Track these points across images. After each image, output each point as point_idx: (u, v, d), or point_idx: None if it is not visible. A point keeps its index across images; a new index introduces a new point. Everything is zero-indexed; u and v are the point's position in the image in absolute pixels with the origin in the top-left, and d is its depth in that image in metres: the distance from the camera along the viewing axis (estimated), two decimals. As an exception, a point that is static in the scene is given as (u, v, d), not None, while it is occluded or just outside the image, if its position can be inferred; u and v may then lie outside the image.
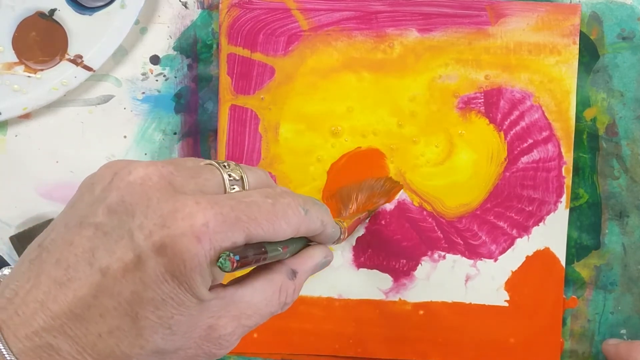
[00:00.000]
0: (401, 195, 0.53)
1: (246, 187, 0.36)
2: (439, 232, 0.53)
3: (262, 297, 0.36)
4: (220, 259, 0.31)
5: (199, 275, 0.32)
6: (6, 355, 0.31)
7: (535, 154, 0.52)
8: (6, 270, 0.36)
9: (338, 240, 0.42)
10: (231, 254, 0.31)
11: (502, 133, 0.52)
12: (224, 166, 0.35)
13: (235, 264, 0.31)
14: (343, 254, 0.53)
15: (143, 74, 0.53)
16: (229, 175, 0.35)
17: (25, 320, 0.32)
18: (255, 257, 0.33)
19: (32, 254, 0.33)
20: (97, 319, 0.31)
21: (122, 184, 0.32)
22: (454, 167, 0.53)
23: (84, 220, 0.32)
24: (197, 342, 0.34)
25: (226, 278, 0.36)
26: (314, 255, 0.39)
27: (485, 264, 0.53)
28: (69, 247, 0.32)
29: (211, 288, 0.33)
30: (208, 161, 0.36)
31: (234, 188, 0.35)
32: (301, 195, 0.37)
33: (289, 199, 0.35)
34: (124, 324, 0.32)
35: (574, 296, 0.53)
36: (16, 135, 0.53)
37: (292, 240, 0.36)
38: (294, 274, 0.37)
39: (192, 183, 0.34)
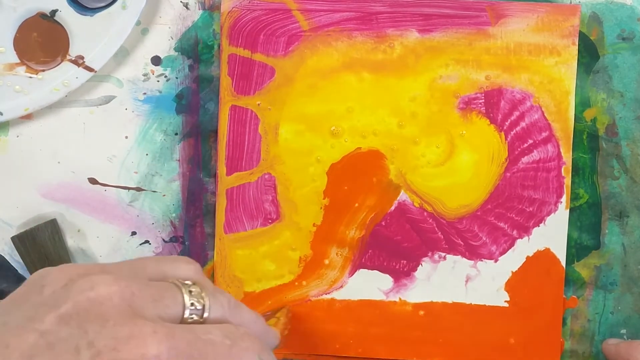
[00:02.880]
0: (402, 196, 0.53)
1: (205, 317, 0.34)
2: (440, 233, 0.53)
3: None
4: None
5: None
6: None
7: (535, 155, 0.52)
8: None
9: None
10: None
11: (502, 133, 0.52)
12: (190, 292, 0.34)
13: None
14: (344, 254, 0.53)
15: (144, 75, 0.53)
16: (191, 304, 0.33)
17: None
18: None
19: None
20: None
21: (81, 297, 0.31)
22: (455, 167, 0.53)
23: (28, 324, 0.30)
24: None
25: None
26: None
27: (485, 265, 0.53)
28: (5, 349, 0.30)
29: None
30: (174, 280, 0.35)
31: (192, 317, 0.34)
32: (259, 341, 0.35)
33: (248, 344, 0.34)
34: None
35: (574, 296, 0.54)
36: (18, 136, 0.54)
37: None
38: None
39: (152, 307, 0.32)
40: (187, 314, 0.33)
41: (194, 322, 0.34)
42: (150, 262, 0.35)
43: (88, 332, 0.30)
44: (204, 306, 0.34)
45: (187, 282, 0.34)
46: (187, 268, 0.36)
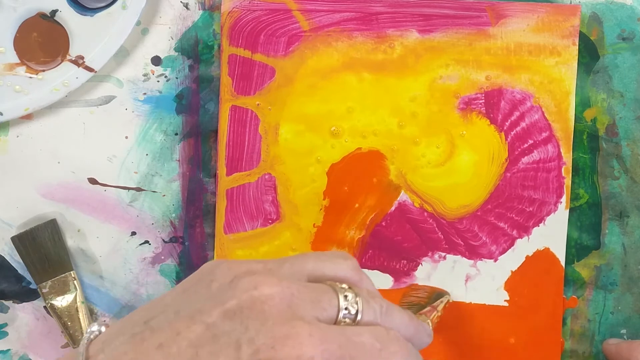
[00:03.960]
0: (402, 196, 0.53)
1: (357, 321, 0.35)
2: (440, 233, 0.53)
3: None
4: None
5: None
6: None
7: (535, 155, 0.52)
8: (95, 327, 0.36)
9: None
10: None
11: (502, 134, 0.52)
12: (345, 297, 0.35)
13: None
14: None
15: (144, 75, 0.53)
16: (346, 308, 0.35)
17: None
18: None
19: (135, 329, 0.34)
20: None
21: (245, 295, 0.33)
22: (455, 168, 0.53)
23: (197, 316, 0.33)
24: None
25: None
26: None
27: (485, 264, 0.53)
28: (175, 336, 0.32)
29: None
30: (331, 283, 0.36)
31: (345, 320, 0.35)
32: (408, 346, 0.36)
33: (397, 348, 0.35)
34: None
35: (574, 296, 0.54)
36: (18, 136, 0.54)
37: None
38: None
39: (309, 308, 0.34)
40: (341, 316, 0.35)
41: (347, 325, 0.35)
42: (310, 260, 0.37)
43: (249, 329, 0.32)
44: (357, 311, 0.35)
45: (343, 286, 0.36)
46: (345, 265, 0.37)
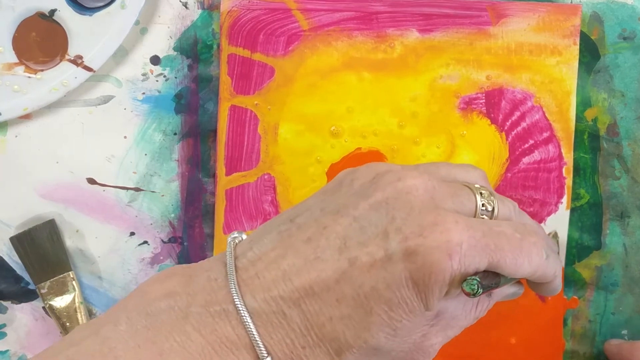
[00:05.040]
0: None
1: (494, 217, 0.37)
2: (440, 232, 0.53)
3: (462, 310, 0.37)
4: (468, 282, 0.33)
5: (438, 290, 0.33)
6: (241, 311, 0.33)
7: (536, 155, 0.52)
8: (236, 234, 0.37)
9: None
10: (478, 280, 0.33)
11: (503, 134, 0.52)
12: (481, 193, 0.36)
13: (480, 291, 0.33)
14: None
15: (143, 75, 0.53)
16: (482, 205, 0.36)
17: (265, 284, 0.33)
18: (491, 288, 0.35)
19: (282, 226, 0.35)
20: (333, 302, 0.33)
21: (389, 188, 0.34)
22: (455, 167, 0.52)
23: (343, 210, 0.34)
24: (409, 346, 0.35)
25: None
26: (510, 286, 0.40)
27: (486, 265, 0.53)
28: (323, 229, 0.34)
29: None
30: (465, 182, 0.37)
31: (482, 217, 0.36)
32: (545, 238, 0.38)
33: (535, 239, 0.36)
34: (356, 315, 0.33)
35: (575, 297, 0.53)
36: (16, 136, 0.53)
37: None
38: (490, 293, 0.38)
39: (450, 201, 0.35)
40: (479, 212, 0.36)
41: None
42: (442, 166, 0.38)
43: (396, 219, 0.33)
44: (493, 208, 0.36)
45: (477, 185, 0.37)
46: (476, 174, 0.39)
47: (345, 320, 0.33)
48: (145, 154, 0.53)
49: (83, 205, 0.54)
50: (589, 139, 0.53)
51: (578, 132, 0.52)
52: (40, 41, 0.52)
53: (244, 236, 0.37)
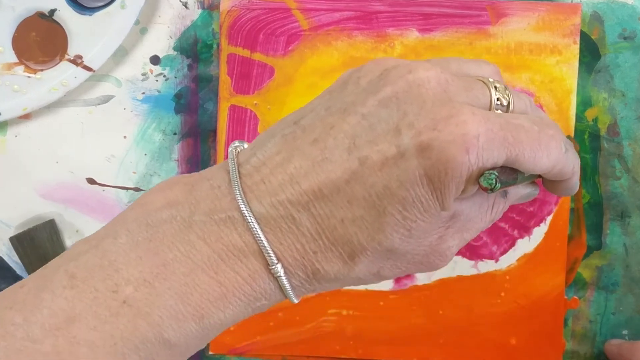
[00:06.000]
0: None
1: (510, 111, 0.34)
2: (440, 232, 0.53)
3: (477, 211, 0.35)
4: (485, 176, 0.31)
5: (454, 186, 0.31)
6: (247, 217, 0.31)
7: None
8: (237, 143, 0.35)
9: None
10: (496, 175, 0.31)
11: (503, 133, 0.52)
12: (495, 87, 0.34)
13: (498, 186, 0.31)
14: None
15: (143, 74, 0.53)
16: (497, 99, 0.34)
17: (272, 189, 0.32)
18: (509, 184, 0.33)
19: (285, 130, 0.33)
20: (344, 204, 0.31)
21: (400, 81, 0.32)
22: (455, 167, 0.52)
23: (350, 107, 0.32)
24: (425, 249, 0.33)
25: None
26: (526, 186, 0.38)
27: (486, 265, 0.53)
28: (329, 129, 0.32)
29: None
30: (479, 77, 0.35)
31: (497, 111, 0.34)
32: (562, 132, 0.35)
33: (554, 131, 0.34)
34: (368, 216, 0.31)
35: (575, 297, 0.53)
36: (16, 136, 0.53)
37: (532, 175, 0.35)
38: (505, 193, 0.36)
39: (464, 95, 0.33)
40: (494, 106, 0.34)
41: None
42: (453, 61, 0.36)
43: (408, 114, 0.31)
44: (509, 102, 0.34)
45: (491, 79, 0.35)
46: (489, 69, 0.36)
47: (357, 222, 0.31)
48: (145, 154, 0.53)
49: (83, 205, 0.54)
50: (589, 139, 0.53)
51: (578, 132, 0.52)
52: (40, 41, 0.52)
53: (246, 145, 0.35)
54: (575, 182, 0.37)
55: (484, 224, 0.36)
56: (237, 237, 0.32)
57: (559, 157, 0.34)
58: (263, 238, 0.31)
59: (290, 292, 0.33)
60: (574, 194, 0.40)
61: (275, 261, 0.32)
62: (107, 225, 0.33)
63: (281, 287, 0.32)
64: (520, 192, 0.38)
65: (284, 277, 0.32)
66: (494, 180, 0.31)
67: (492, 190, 0.31)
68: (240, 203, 0.32)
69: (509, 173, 0.33)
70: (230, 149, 0.34)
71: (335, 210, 0.31)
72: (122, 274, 0.31)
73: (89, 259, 0.31)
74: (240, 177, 0.32)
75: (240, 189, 0.32)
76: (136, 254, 0.31)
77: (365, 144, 0.31)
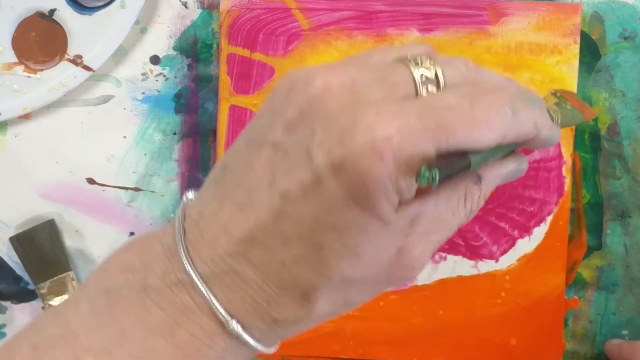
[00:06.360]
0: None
1: (441, 85, 0.30)
2: (440, 232, 0.53)
3: (446, 206, 0.32)
4: (420, 175, 0.28)
5: (383, 197, 0.28)
6: (194, 277, 0.30)
7: (536, 154, 0.52)
8: (190, 194, 0.33)
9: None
10: (430, 171, 0.28)
11: (503, 133, 0.52)
12: (416, 62, 0.30)
13: (437, 178, 0.28)
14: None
15: (143, 74, 0.53)
16: (421, 76, 0.30)
17: (210, 243, 0.30)
18: (459, 171, 0.29)
19: (216, 175, 0.32)
20: (280, 246, 0.29)
21: (301, 97, 0.29)
22: (456, 167, 0.52)
23: (263, 138, 0.30)
24: (386, 267, 0.31)
25: None
26: (504, 162, 0.34)
27: (486, 265, 0.53)
28: (249, 169, 0.30)
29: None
30: (398, 55, 0.31)
31: (426, 89, 0.30)
32: (511, 88, 0.31)
33: (493, 97, 0.30)
34: (307, 252, 0.29)
35: (575, 297, 0.53)
36: (16, 136, 0.53)
37: (498, 148, 0.31)
38: (479, 178, 0.32)
39: (376, 88, 0.29)
40: (420, 88, 0.30)
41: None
42: (376, 52, 0.32)
43: (316, 131, 0.28)
44: (436, 74, 0.30)
45: (410, 55, 0.31)
46: (417, 48, 0.32)
47: (299, 261, 0.29)
48: (145, 154, 0.53)
49: (83, 205, 0.54)
50: (589, 139, 0.53)
51: (579, 132, 0.52)
52: (40, 41, 0.52)
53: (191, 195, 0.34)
54: (544, 137, 0.32)
55: (459, 219, 0.33)
56: (189, 298, 0.30)
57: (505, 125, 0.30)
58: (212, 297, 0.30)
59: (256, 345, 0.31)
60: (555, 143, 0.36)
61: (229, 318, 0.30)
62: (72, 292, 0.34)
63: (244, 343, 0.31)
64: (499, 172, 0.34)
65: (243, 333, 0.31)
66: (428, 174, 0.28)
67: (435, 181, 0.28)
68: (185, 264, 0.30)
69: (456, 159, 0.29)
70: (183, 199, 0.33)
71: (273, 254, 0.30)
72: (82, 342, 0.30)
73: (51, 329, 0.31)
74: (184, 234, 0.31)
75: (185, 248, 0.31)
76: (96, 321, 0.31)
77: (284, 176, 0.29)
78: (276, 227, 0.29)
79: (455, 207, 0.32)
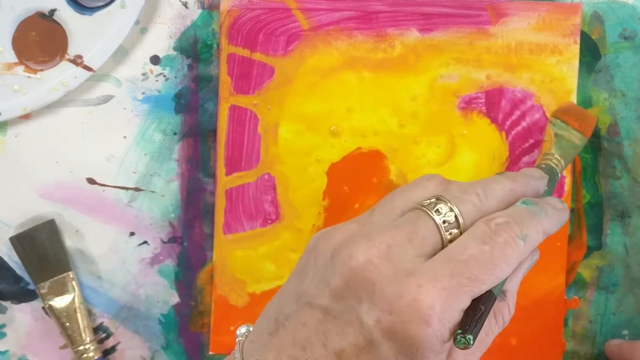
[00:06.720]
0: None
1: (461, 225, 0.35)
2: (440, 232, 0.53)
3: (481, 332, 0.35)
4: (457, 341, 0.32)
5: (432, 354, 0.32)
6: None
7: (536, 154, 0.52)
8: (243, 329, 0.38)
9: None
10: (465, 337, 0.32)
11: (503, 133, 0.52)
12: (437, 211, 0.35)
13: (471, 340, 0.32)
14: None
15: (143, 74, 0.53)
16: (444, 222, 0.35)
17: None
18: (487, 310, 0.34)
19: (270, 327, 0.35)
20: None
21: (345, 269, 0.33)
22: (456, 167, 0.52)
23: (313, 301, 0.34)
24: None
25: None
26: (519, 268, 0.38)
27: (486, 265, 0.52)
28: (302, 327, 0.34)
29: None
30: (417, 205, 0.36)
31: (450, 233, 0.35)
32: (517, 223, 0.35)
33: (506, 235, 0.34)
34: None
35: (575, 297, 0.53)
36: (16, 136, 0.53)
37: None
38: (502, 294, 0.37)
39: (410, 249, 0.34)
40: (444, 234, 0.35)
41: (454, 238, 0.35)
42: (397, 197, 0.37)
43: (362, 301, 0.33)
44: (456, 217, 0.35)
45: (430, 200, 0.36)
46: (432, 185, 0.37)
47: None
48: (145, 154, 0.53)
49: (83, 205, 0.54)
50: (589, 139, 0.53)
51: (579, 132, 0.52)
52: (40, 41, 0.52)
53: (250, 329, 0.38)
54: (556, 226, 0.38)
55: (492, 336, 0.37)
56: None
57: (520, 256, 0.35)
58: None
59: None
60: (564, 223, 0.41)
61: None
62: None
63: None
64: (518, 279, 0.38)
65: None
66: (463, 338, 0.32)
67: (471, 345, 0.32)
68: None
69: (483, 303, 0.33)
70: (237, 338, 0.37)
71: None
72: None
73: None
74: None
75: None
76: None
77: (337, 338, 0.33)
78: None
79: (487, 327, 0.36)
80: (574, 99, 0.52)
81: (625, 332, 0.53)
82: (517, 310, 0.52)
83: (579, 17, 0.51)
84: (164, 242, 0.54)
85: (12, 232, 0.53)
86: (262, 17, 0.52)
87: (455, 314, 0.33)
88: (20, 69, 0.52)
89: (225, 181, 0.53)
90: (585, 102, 0.52)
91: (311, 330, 0.34)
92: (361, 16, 0.52)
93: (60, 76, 0.52)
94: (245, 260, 0.53)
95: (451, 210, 0.35)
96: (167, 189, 0.54)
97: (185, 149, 0.53)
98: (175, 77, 0.53)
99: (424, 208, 0.35)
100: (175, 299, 0.54)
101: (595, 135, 0.52)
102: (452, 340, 0.33)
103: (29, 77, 0.52)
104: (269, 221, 0.53)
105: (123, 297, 0.54)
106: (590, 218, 0.53)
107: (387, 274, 0.33)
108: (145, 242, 0.54)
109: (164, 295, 0.54)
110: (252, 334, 0.37)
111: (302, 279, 0.36)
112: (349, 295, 0.33)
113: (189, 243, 0.54)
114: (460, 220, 0.35)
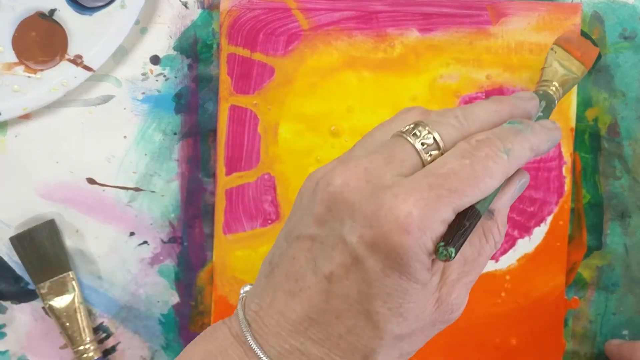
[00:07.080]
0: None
1: (442, 147, 0.35)
2: (440, 232, 0.53)
3: (470, 250, 0.36)
4: (439, 253, 0.32)
5: (417, 263, 0.33)
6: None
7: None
8: (247, 287, 0.39)
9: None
10: (447, 249, 0.32)
11: (503, 133, 0.52)
12: (415, 135, 0.35)
13: (453, 252, 0.32)
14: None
15: (143, 74, 0.53)
16: (422, 144, 0.35)
17: (272, 329, 0.35)
18: (472, 225, 0.33)
19: (265, 271, 0.37)
20: (334, 321, 0.34)
21: (324, 195, 0.34)
22: (456, 167, 0.52)
23: (300, 234, 0.35)
24: (430, 318, 0.35)
25: None
26: (507, 187, 0.38)
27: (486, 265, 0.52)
28: (293, 261, 0.35)
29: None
30: (395, 129, 0.36)
31: (430, 155, 0.35)
32: (498, 138, 0.35)
33: (487, 150, 0.34)
34: (359, 322, 0.34)
35: (575, 297, 0.53)
36: (16, 136, 0.53)
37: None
38: (490, 213, 0.37)
39: (388, 170, 0.34)
40: (424, 156, 0.35)
41: (436, 158, 0.35)
42: (376, 132, 0.37)
43: (344, 221, 0.33)
44: (434, 139, 0.35)
45: (407, 127, 0.35)
46: (412, 115, 0.37)
47: (353, 331, 0.34)
48: (145, 154, 0.53)
49: (83, 205, 0.54)
50: (589, 139, 0.53)
51: (579, 132, 0.52)
52: (40, 41, 0.52)
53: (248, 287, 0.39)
54: (546, 147, 0.38)
55: (485, 255, 0.37)
56: None
57: (504, 169, 0.35)
58: None
59: None
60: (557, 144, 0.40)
61: None
62: None
63: None
64: (507, 198, 0.38)
65: None
66: (445, 250, 0.32)
67: (452, 257, 0.32)
68: (256, 350, 0.35)
69: (467, 218, 0.33)
70: (240, 293, 0.39)
71: (330, 329, 0.34)
72: None
73: None
74: (249, 325, 0.36)
75: (253, 337, 0.35)
76: None
77: (325, 262, 0.34)
78: (327, 305, 0.34)
79: (478, 246, 0.36)
80: (573, 98, 0.52)
81: (625, 332, 0.53)
82: (517, 310, 0.52)
83: (579, 17, 0.51)
84: (164, 242, 0.54)
85: (12, 232, 0.53)
86: (262, 17, 0.52)
87: (436, 225, 0.32)
88: (20, 69, 0.52)
89: (225, 181, 0.53)
90: (586, 102, 0.52)
91: (301, 261, 0.35)
92: (361, 16, 0.52)
93: (60, 76, 0.52)
94: (245, 260, 0.53)
95: (429, 133, 0.35)
96: (167, 189, 0.54)
97: (185, 148, 0.53)
98: (175, 77, 0.53)
99: (402, 134, 0.35)
100: (175, 299, 0.54)
101: (596, 135, 0.52)
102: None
103: (29, 77, 0.52)
104: (269, 221, 0.53)
105: (123, 297, 0.54)
106: (591, 218, 0.53)
107: (366, 192, 0.33)
108: (145, 242, 0.54)
109: (164, 295, 0.54)
110: (253, 285, 0.38)
111: (290, 220, 0.37)
112: (331, 219, 0.34)
113: (189, 243, 0.54)
114: (441, 144, 0.35)
